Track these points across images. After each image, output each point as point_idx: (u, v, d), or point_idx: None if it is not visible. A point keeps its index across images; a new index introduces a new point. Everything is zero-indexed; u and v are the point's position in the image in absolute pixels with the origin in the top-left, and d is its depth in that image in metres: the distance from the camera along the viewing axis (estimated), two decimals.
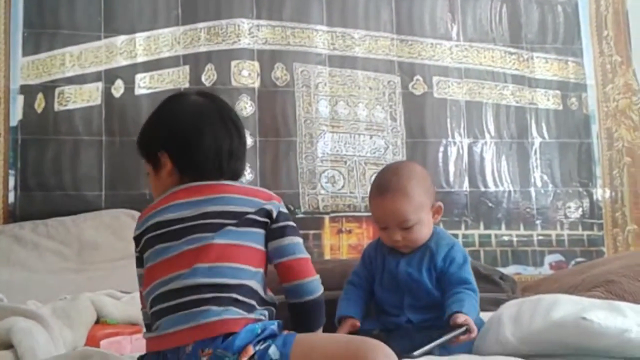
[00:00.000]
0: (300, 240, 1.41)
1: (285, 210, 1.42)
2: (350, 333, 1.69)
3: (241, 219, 1.35)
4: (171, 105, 1.50)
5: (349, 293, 1.86)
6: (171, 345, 1.27)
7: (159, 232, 1.37)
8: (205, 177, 1.41)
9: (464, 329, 1.59)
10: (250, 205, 1.37)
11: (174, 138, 1.43)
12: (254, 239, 1.36)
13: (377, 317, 1.83)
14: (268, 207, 1.38)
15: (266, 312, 1.33)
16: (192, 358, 1.24)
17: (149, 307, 1.35)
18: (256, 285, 1.33)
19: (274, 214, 1.39)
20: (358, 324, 1.74)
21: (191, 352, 1.24)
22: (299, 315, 1.39)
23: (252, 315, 1.29)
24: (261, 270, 1.36)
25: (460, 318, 1.60)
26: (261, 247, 1.37)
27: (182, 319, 1.27)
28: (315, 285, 1.40)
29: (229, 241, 1.33)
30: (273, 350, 1.23)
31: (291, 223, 1.41)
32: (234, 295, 1.29)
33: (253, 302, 1.31)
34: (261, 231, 1.37)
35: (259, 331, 1.27)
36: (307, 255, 1.42)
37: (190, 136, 1.42)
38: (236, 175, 1.46)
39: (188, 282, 1.29)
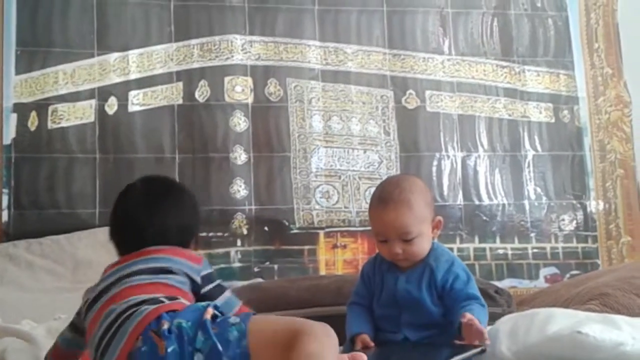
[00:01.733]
0: (227, 294, 1.49)
1: (207, 273, 1.49)
2: (364, 349, 1.68)
3: (158, 270, 1.43)
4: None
5: (356, 312, 1.84)
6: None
7: (90, 302, 1.44)
8: (128, 250, 1.52)
9: (479, 349, 1.58)
10: (170, 262, 1.45)
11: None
12: (171, 281, 1.42)
13: (374, 335, 1.82)
14: (189, 271, 1.45)
15: None
16: (148, 342, 1.27)
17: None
18: None
19: (198, 280, 1.46)
20: (369, 340, 1.72)
21: (144, 340, 1.27)
22: None
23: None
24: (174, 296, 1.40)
25: (467, 316, 1.59)
26: (180, 287, 1.42)
27: (121, 334, 1.30)
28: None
29: (141, 282, 1.40)
30: (233, 319, 1.31)
31: (215, 284, 1.49)
32: (160, 298, 1.35)
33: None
34: (184, 279, 1.44)
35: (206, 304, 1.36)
36: (240, 304, 1.51)
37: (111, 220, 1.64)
38: (167, 242, 1.53)
39: (109, 319, 1.34)
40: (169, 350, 1.25)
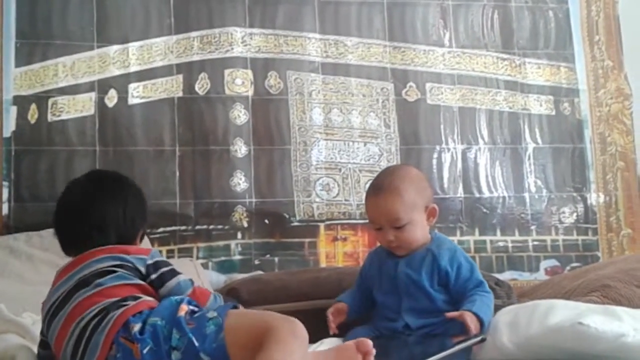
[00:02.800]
0: (180, 277, 1.47)
1: (154, 261, 1.48)
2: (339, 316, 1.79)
3: (107, 272, 1.42)
4: None
5: (349, 290, 1.93)
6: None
7: (48, 317, 1.45)
8: (79, 251, 1.52)
9: (479, 338, 1.59)
10: (118, 260, 1.44)
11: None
12: (127, 279, 1.41)
13: (375, 324, 1.82)
14: (135, 262, 1.45)
15: None
16: (121, 349, 1.27)
17: None
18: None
19: (143, 269, 1.45)
20: (344, 307, 1.83)
21: (117, 347, 1.27)
22: None
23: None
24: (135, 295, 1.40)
25: (469, 319, 1.61)
26: (132, 281, 1.42)
27: (92, 347, 1.30)
28: (217, 300, 1.51)
29: (97, 289, 1.38)
30: (211, 313, 1.31)
31: (166, 268, 1.47)
32: (121, 301, 1.35)
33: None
34: (130, 274, 1.43)
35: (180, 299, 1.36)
36: (193, 286, 1.48)
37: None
38: (110, 240, 1.52)
39: (75, 334, 1.35)
40: (144, 352, 1.25)
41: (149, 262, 1.46)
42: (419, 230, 1.81)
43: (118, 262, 1.43)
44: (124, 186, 1.66)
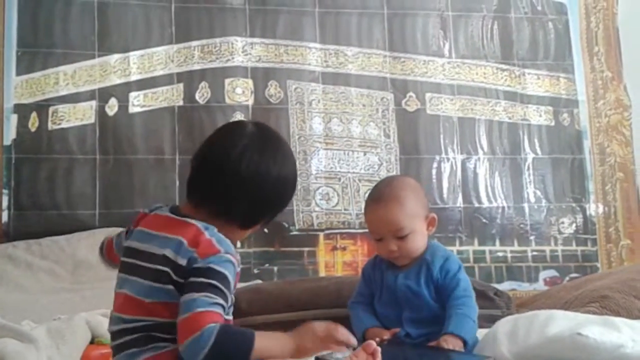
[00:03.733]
0: (194, 295, 1.23)
1: (206, 267, 1.26)
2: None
3: (155, 269, 1.29)
4: None
5: (361, 309, 1.85)
6: None
7: (123, 259, 1.39)
8: (189, 192, 1.40)
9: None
10: (172, 249, 1.28)
11: None
12: (157, 294, 1.29)
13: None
14: (178, 253, 1.28)
15: None
16: None
17: None
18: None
19: (184, 263, 1.27)
20: (382, 332, 1.75)
21: None
22: None
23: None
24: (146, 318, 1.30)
25: (449, 344, 1.62)
26: (165, 301, 1.28)
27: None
28: (201, 342, 1.20)
29: (132, 295, 1.31)
30: None
31: (198, 279, 1.25)
32: (150, 333, 1.29)
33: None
34: (170, 287, 1.27)
35: None
36: (192, 312, 1.22)
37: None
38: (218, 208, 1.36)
39: (111, 328, 1.35)
40: None
41: (200, 265, 1.25)
42: (421, 240, 1.81)
43: (171, 256, 1.26)
44: (285, 163, 1.42)
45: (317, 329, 1.31)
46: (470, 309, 1.73)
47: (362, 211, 1.95)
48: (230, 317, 1.31)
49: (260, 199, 1.38)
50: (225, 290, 1.25)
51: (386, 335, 1.73)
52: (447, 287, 1.77)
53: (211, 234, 1.30)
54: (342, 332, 1.32)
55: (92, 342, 1.91)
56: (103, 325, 1.94)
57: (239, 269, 1.32)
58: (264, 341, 1.24)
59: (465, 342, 1.66)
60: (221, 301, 1.24)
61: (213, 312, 1.21)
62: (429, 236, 1.86)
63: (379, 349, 1.41)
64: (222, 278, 1.26)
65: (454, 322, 1.68)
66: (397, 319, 1.79)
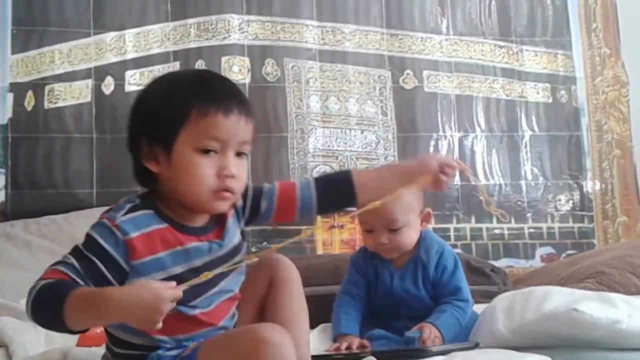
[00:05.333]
0: None
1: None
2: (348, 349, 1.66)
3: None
4: None
5: (348, 307, 1.81)
6: None
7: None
8: None
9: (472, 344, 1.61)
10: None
11: None
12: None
13: (373, 322, 1.80)
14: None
15: None
16: None
17: None
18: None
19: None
20: (355, 342, 1.69)
21: None
22: None
23: None
24: None
25: (426, 330, 1.62)
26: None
27: None
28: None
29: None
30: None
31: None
32: None
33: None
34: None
35: None
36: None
37: None
38: None
39: None
40: None
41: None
42: (414, 234, 1.77)
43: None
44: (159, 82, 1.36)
45: (148, 295, 1.08)
46: (464, 315, 1.73)
47: None
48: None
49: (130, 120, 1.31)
50: (87, 252, 1.19)
51: (355, 344, 1.68)
52: (444, 285, 1.75)
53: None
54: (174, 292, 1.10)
55: None
56: None
57: (133, 235, 1.21)
58: (76, 304, 1.10)
59: (443, 338, 1.65)
60: (73, 261, 1.18)
61: (53, 269, 1.17)
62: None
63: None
64: (87, 240, 1.22)
65: (444, 317, 1.67)
66: (395, 313, 1.78)
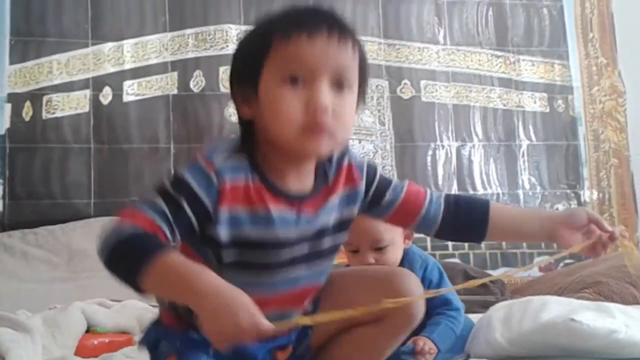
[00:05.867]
0: None
1: None
2: None
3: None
4: None
5: None
6: None
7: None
8: None
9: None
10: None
11: None
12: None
13: None
14: None
15: None
16: None
17: None
18: None
19: None
20: None
21: None
22: None
23: None
24: None
25: (419, 343, 1.61)
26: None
27: None
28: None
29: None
30: None
31: None
32: None
33: None
34: None
35: None
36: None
37: None
38: None
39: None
40: None
41: None
42: (398, 253, 1.75)
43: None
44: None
45: (243, 318, 0.93)
46: (458, 324, 1.72)
47: None
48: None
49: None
50: (176, 195, 1.04)
51: None
52: (433, 298, 1.74)
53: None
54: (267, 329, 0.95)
55: (87, 331, 1.91)
56: (99, 315, 1.95)
57: (228, 183, 1.08)
58: (164, 274, 0.97)
59: (438, 350, 1.65)
60: (162, 205, 1.03)
61: (141, 213, 1.02)
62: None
63: None
64: (177, 181, 1.06)
65: (439, 329, 1.67)
66: None
